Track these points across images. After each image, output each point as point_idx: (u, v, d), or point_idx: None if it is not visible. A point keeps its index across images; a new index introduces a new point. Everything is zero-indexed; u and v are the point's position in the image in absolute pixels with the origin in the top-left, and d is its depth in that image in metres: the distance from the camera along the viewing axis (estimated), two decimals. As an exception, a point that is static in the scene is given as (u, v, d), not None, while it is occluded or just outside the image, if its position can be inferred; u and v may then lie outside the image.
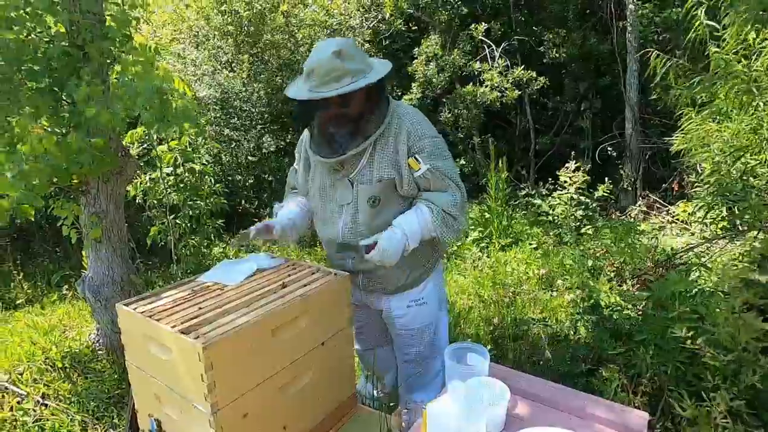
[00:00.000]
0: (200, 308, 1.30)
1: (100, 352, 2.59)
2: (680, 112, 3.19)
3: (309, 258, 4.25)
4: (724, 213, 3.21)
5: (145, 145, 3.93)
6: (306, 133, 1.65)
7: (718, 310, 1.54)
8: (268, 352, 1.28)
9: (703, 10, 2.72)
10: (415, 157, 1.45)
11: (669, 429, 1.75)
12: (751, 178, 2.68)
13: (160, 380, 1.29)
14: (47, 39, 2.19)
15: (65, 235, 2.51)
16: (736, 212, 2.78)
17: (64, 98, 2.19)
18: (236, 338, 1.18)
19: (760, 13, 2.21)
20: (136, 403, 1.46)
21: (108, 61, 2.23)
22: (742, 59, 2.56)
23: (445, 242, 1.56)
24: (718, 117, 2.88)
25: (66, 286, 3.90)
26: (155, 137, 3.34)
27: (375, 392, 1.85)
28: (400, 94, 6.19)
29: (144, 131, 3.24)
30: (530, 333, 2.62)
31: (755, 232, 2.46)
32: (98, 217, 2.40)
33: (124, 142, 2.67)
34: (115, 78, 2.24)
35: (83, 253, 2.87)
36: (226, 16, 5.68)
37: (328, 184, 1.58)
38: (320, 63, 1.37)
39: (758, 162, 2.70)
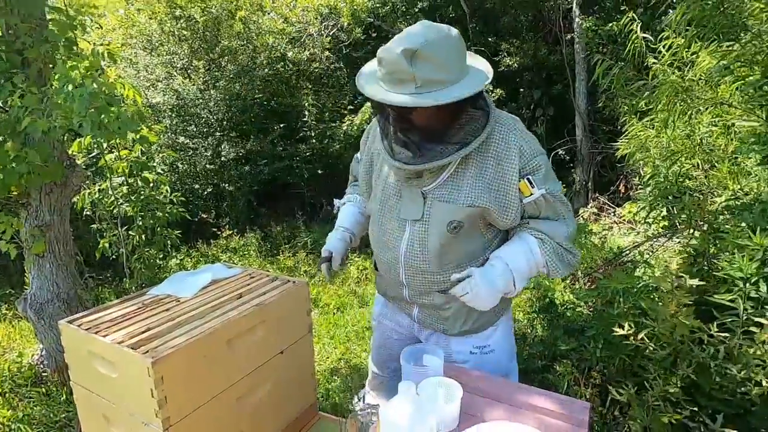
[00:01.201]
0: (151, 322, 1.26)
1: (44, 374, 2.44)
2: (624, 119, 3.41)
3: (272, 268, 4.18)
4: (664, 213, 3.45)
5: (94, 155, 3.76)
6: (375, 123, 1.35)
7: (659, 305, 1.65)
8: (223, 364, 1.25)
9: (638, 24, 2.93)
10: (528, 179, 1.17)
11: (617, 417, 1.85)
12: (687, 180, 2.90)
13: (108, 399, 1.23)
14: (-19, 43, 2.07)
15: (3, 251, 2.35)
16: (674, 212, 3.00)
17: (1, 106, 2.07)
18: (188, 351, 1.15)
19: (686, 27, 2.41)
20: (83, 426, 1.38)
21: (50, 66, 2.13)
22: (676, 70, 2.78)
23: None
24: (656, 124, 3.11)
25: (5, 305, 3.64)
26: (105, 146, 3.19)
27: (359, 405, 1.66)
28: (357, 102, 6.24)
29: (90, 140, 3.09)
30: (490, 333, 2.70)
31: (691, 231, 2.66)
32: (41, 230, 2.27)
33: (69, 152, 2.55)
34: (56, 85, 2.14)
35: (26, 269, 2.70)
36: (180, 21, 5.54)
37: (393, 190, 1.30)
38: (388, 58, 1.09)
39: (692, 165, 2.93)
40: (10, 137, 2.04)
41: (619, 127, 4.48)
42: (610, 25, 5.15)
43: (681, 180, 2.87)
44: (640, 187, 4.04)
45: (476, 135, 1.15)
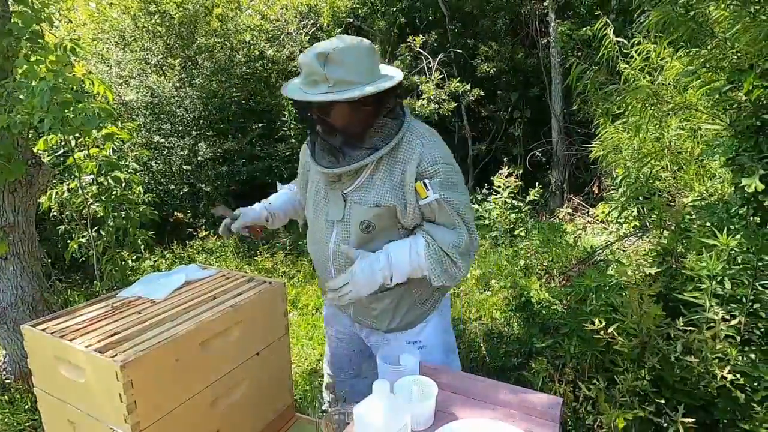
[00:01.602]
0: (120, 324, 1.23)
1: (7, 381, 2.33)
2: (597, 122, 3.51)
3: (249, 269, 4.12)
4: (635, 213, 3.57)
5: (61, 153, 3.62)
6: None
7: (627, 299, 1.70)
8: (196, 367, 1.23)
9: (611, 29, 3.02)
10: (424, 183, 1.24)
11: (590, 412, 1.90)
12: (656, 182, 3.00)
13: (74, 405, 1.19)
14: (-62, 34, 1.97)
15: (-37, 252, 2.24)
16: (644, 212, 3.10)
17: (-40, 100, 1.97)
18: (159, 354, 1.12)
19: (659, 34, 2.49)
20: (48, 433, 1.33)
21: (12, 60, 2.04)
22: (647, 75, 2.87)
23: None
24: (628, 127, 3.21)
25: (-34, 311, 3.46)
26: (73, 144, 3.08)
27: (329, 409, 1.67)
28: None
29: (58, 138, 2.98)
30: (467, 332, 2.73)
31: (660, 230, 2.76)
32: (4, 231, 2.17)
33: (35, 150, 2.45)
34: (17, 79, 2.05)
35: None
36: (155, 17, 5.40)
37: (321, 194, 1.40)
38: (304, 61, 1.22)
39: (661, 167, 3.04)
40: (-30, 134, 1.95)
41: (593, 130, 4.61)
42: (584, 29, 5.30)
43: (651, 181, 2.97)
44: (612, 188, 4.16)
45: (388, 141, 1.26)
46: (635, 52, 2.93)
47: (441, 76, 5.81)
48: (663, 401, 1.57)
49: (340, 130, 1.26)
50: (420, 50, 5.96)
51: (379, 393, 0.83)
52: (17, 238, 2.22)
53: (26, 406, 2.16)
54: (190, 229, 5.00)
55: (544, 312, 2.69)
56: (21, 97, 1.65)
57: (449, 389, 1.18)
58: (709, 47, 2.11)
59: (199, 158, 5.27)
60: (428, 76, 5.90)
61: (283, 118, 5.48)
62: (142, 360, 1.08)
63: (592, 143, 3.58)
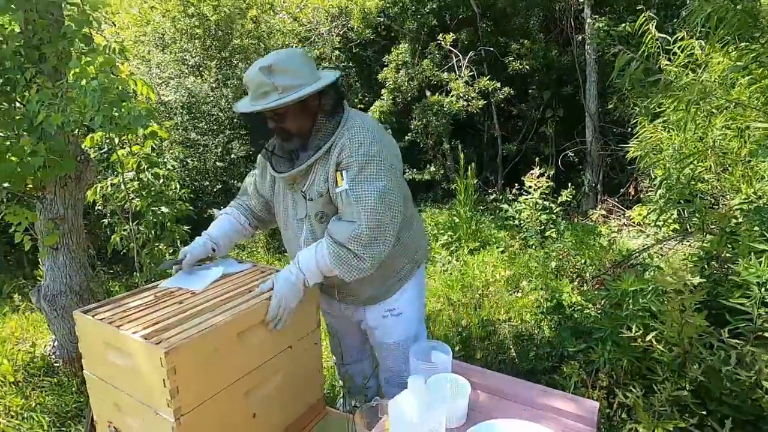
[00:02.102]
0: (163, 313, 1.28)
1: (56, 364, 2.47)
2: (635, 121, 3.39)
3: (279, 264, 4.20)
4: (675, 216, 3.42)
5: (105, 150, 3.80)
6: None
7: (668, 308, 1.64)
8: (233, 357, 1.27)
9: (654, 24, 2.90)
10: (341, 173, 1.35)
11: (624, 419, 1.84)
12: (699, 184, 2.87)
13: (121, 388, 1.25)
14: (0, 39, 2.11)
15: (17, 242, 2.39)
16: (685, 215, 2.97)
17: (17, 100, 2.11)
18: (200, 342, 1.16)
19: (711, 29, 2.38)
20: (95, 414, 1.41)
21: (65, 62, 2.16)
22: (690, 72, 2.75)
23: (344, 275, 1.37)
24: (668, 126, 3.08)
25: (18, 297, 3.70)
26: (116, 141, 3.24)
27: (353, 403, 1.81)
28: (367, 100, 6.25)
29: (103, 135, 3.13)
30: (497, 333, 2.70)
31: (703, 234, 2.64)
32: (55, 223, 2.30)
33: (83, 146, 2.59)
34: (71, 80, 2.17)
35: (40, 261, 2.75)
36: (193, 19, 5.58)
37: (289, 197, 1.55)
38: (250, 78, 1.35)
39: (704, 168, 2.90)
40: (27, 131, 2.08)
41: (629, 129, 4.45)
42: (623, 25, 5.12)
43: (693, 183, 2.84)
44: (650, 189, 4.00)
45: (327, 139, 1.38)
46: (678, 48, 2.81)
47: (471, 74, 5.75)
48: (705, 413, 1.51)
49: (295, 133, 1.40)
50: (450, 48, 5.91)
51: (414, 388, 0.84)
52: (67, 229, 2.35)
53: (73, 389, 2.28)
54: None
55: (576, 315, 2.62)
56: (73, 96, 1.75)
57: (481, 388, 1.18)
58: (762, 41, 2.00)
59: (232, 156, 5.42)
60: (458, 74, 5.86)
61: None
62: (185, 348, 1.12)
63: (629, 143, 3.46)
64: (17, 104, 2.13)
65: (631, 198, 5.00)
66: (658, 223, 3.35)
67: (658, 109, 3.03)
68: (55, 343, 2.49)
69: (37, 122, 1.92)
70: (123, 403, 1.27)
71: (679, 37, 2.81)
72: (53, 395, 2.26)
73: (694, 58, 2.77)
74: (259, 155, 1.66)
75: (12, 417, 2.13)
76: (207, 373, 1.20)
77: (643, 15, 2.93)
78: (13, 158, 2.00)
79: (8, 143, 2.04)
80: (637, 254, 3.18)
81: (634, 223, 4.27)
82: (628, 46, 5.23)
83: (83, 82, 1.86)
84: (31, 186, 2.24)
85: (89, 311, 1.31)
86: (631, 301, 1.95)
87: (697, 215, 2.61)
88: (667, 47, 2.92)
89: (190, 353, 1.14)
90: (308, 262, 1.38)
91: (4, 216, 2.33)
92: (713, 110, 2.51)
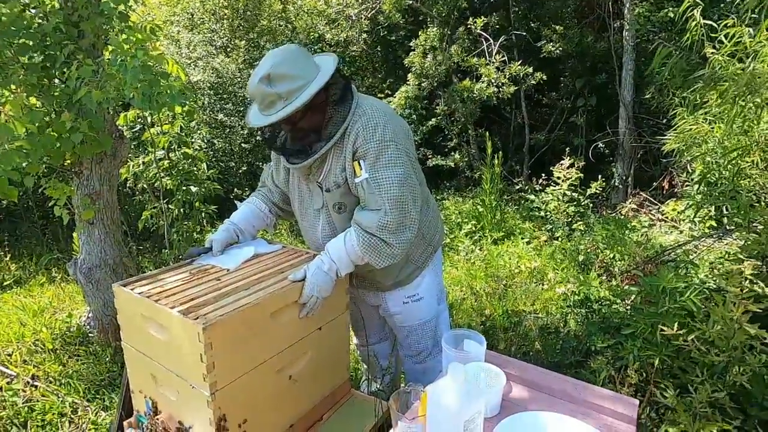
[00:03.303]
0: (199, 290, 1.30)
1: (91, 334, 2.57)
2: (674, 112, 3.23)
3: (304, 247, 4.24)
4: (713, 212, 3.28)
5: (137, 128, 3.88)
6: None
7: (713, 306, 1.57)
8: (266, 335, 1.28)
9: (699, 10, 2.74)
10: (359, 162, 1.34)
11: (653, 419, 1.80)
12: (742, 180, 2.73)
13: (158, 361, 1.29)
14: (41, 15, 2.15)
15: (57, 215, 2.47)
16: (727, 212, 2.84)
17: (57, 76, 2.15)
18: (235, 320, 1.18)
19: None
20: (131, 384, 1.45)
21: (102, 38, 2.19)
22: (737, 62, 2.59)
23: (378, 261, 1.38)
24: (710, 118, 2.93)
25: (54, 269, 3.85)
26: (149, 120, 3.29)
27: (375, 386, 1.86)
28: (393, 85, 6.17)
29: (136, 114, 3.19)
30: (521, 325, 2.67)
31: (747, 232, 2.52)
32: (91, 198, 2.37)
33: (117, 124, 2.63)
34: (108, 57, 2.20)
35: (74, 235, 2.84)
36: None
37: (305, 188, 1.55)
38: (253, 91, 1.35)
39: (749, 163, 2.76)
40: (66, 108, 2.12)
41: (665, 121, 4.26)
42: (665, 11, 4.87)
43: (736, 179, 2.71)
44: (687, 184, 3.85)
45: (339, 127, 1.36)
46: (724, 35, 2.64)
47: (502, 59, 5.60)
48: (743, 417, 1.46)
49: (310, 129, 1.39)
50: (481, 32, 5.76)
51: (454, 376, 0.83)
52: (102, 205, 2.41)
53: (106, 359, 2.37)
54: (248, 206, 5.22)
55: (604, 310, 2.57)
56: (113, 71, 1.77)
57: (514, 379, 1.16)
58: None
59: (258, 138, 5.46)
60: (488, 59, 5.71)
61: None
62: (222, 324, 1.14)
63: (666, 135, 3.32)
64: (57, 80, 2.17)
65: (664, 192, 4.83)
66: (695, 219, 3.22)
67: (700, 100, 2.89)
68: (90, 314, 2.59)
69: (77, 99, 1.96)
70: (159, 375, 1.30)
71: (727, 24, 2.64)
72: (88, 364, 2.36)
73: (742, 46, 2.61)
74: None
75: (50, 382, 2.23)
76: (241, 350, 1.21)
77: (687, 0, 2.77)
78: (53, 133, 2.05)
79: (48, 119, 2.09)
80: (671, 250, 3.08)
81: (667, 218, 4.12)
82: (670, 33, 5.00)
83: (120, 59, 1.87)
84: (69, 161, 2.30)
85: (128, 285, 1.35)
86: (667, 298, 1.89)
87: (740, 213, 2.49)
88: (712, 35, 2.76)
89: (226, 330, 1.16)
90: (339, 252, 1.38)
91: (43, 190, 2.41)
92: (765, 104, 2.37)
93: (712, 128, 2.92)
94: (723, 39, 2.64)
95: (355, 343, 1.96)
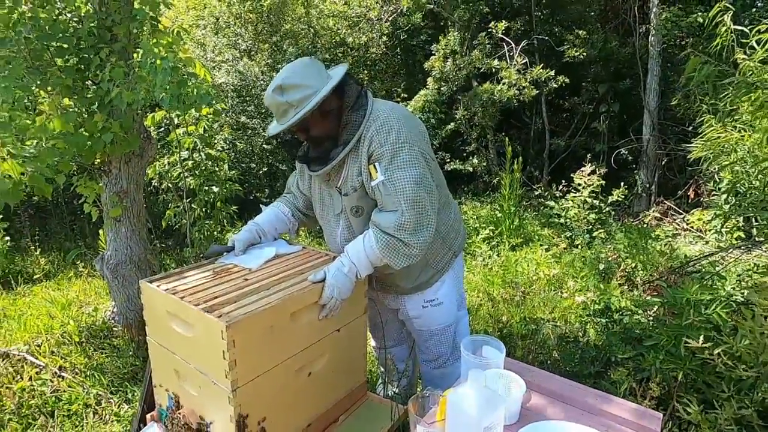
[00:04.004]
0: (222, 289, 1.33)
1: (115, 328, 2.65)
2: (701, 119, 3.15)
3: (320, 248, 4.28)
4: (741, 223, 3.19)
5: (162, 129, 3.98)
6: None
7: (741, 320, 1.53)
8: (286, 335, 1.30)
9: (730, 15, 2.67)
10: (374, 165, 1.37)
11: (676, 433, 1.75)
12: (772, 190, 2.64)
13: (181, 356, 1.32)
14: (76, 19, 2.23)
15: (86, 212, 2.56)
16: (756, 223, 2.75)
17: (90, 78, 2.23)
18: (257, 319, 1.20)
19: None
20: (154, 378, 1.49)
21: (133, 42, 2.26)
22: (770, 68, 2.51)
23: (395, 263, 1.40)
24: (740, 126, 2.85)
25: (81, 264, 3.98)
26: (175, 120, 3.38)
27: (391, 390, 1.87)
28: (412, 89, 6.18)
29: (163, 115, 3.28)
30: (539, 333, 2.63)
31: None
32: (119, 196, 2.44)
33: (145, 124, 2.71)
34: (138, 60, 2.27)
35: (100, 231, 2.93)
36: (247, 3, 5.70)
37: (325, 193, 1.60)
38: (268, 102, 1.43)
39: (780, 173, 2.67)
40: (98, 108, 2.20)
41: (692, 128, 4.15)
42: (694, 16, 4.76)
43: (767, 189, 2.62)
44: (714, 193, 3.74)
45: (354, 133, 1.40)
46: (755, 41, 2.57)
47: (523, 62, 5.55)
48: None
49: (325, 136, 1.44)
50: (502, 36, 5.73)
51: (474, 381, 0.83)
52: (129, 203, 2.48)
53: (130, 353, 2.44)
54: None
55: (625, 321, 2.51)
56: (143, 74, 1.83)
57: (533, 388, 1.15)
58: None
59: (279, 140, 5.53)
60: (509, 63, 5.67)
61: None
62: (244, 323, 1.16)
63: (692, 142, 3.23)
64: (90, 82, 2.26)
65: (689, 201, 4.70)
66: (722, 229, 3.13)
67: (730, 108, 2.81)
68: (115, 309, 2.66)
69: (108, 100, 2.03)
70: (182, 370, 1.33)
71: (759, 30, 2.57)
72: (112, 357, 2.43)
73: (776, 52, 2.53)
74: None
75: (76, 374, 2.30)
76: (261, 349, 1.24)
77: (718, 5, 2.70)
78: (85, 133, 2.13)
79: (81, 119, 2.17)
80: (696, 261, 3.00)
81: (691, 227, 4.01)
82: (698, 38, 4.87)
83: (150, 61, 1.94)
84: (99, 160, 2.38)
85: (154, 281, 1.39)
86: (692, 311, 1.84)
87: (770, 224, 2.42)
88: (743, 40, 2.69)
89: (248, 328, 1.18)
90: (358, 253, 1.41)
91: (74, 188, 2.50)
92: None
93: (742, 137, 2.84)
94: (755, 45, 2.57)
95: (373, 346, 1.97)
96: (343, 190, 1.49)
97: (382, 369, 1.94)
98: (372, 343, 1.96)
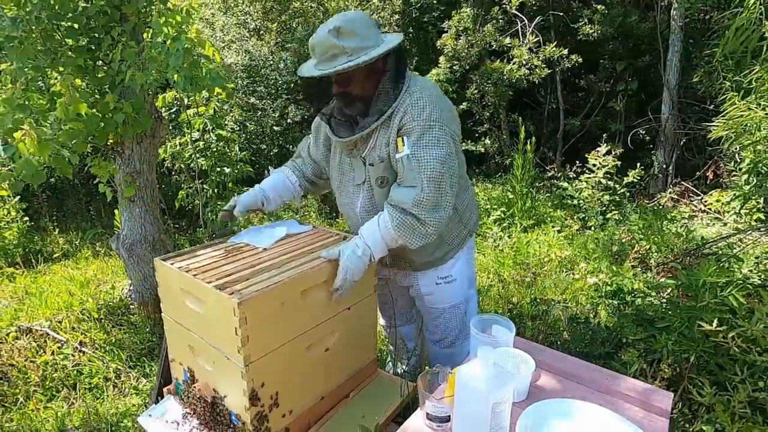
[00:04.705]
0: (234, 266, 1.35)
1: (132, 306, 2.72)
2: (723, 97, 3.04)
3: (337, 227, 4.30)
4: (761, 204, 3.10)
5: (174, 110, 3.99)
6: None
7: (758, 303, 1.50)
8: (297, 312, 1.32)
9: (760, -14, 2.53)
10: (402, 138, 1.36)
11: (686, 414, 1.75)
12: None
13: (195, 332, 1.35)
14: (86, -2, 2.22)
15: (101, 192, 2.59)
16: (776, 204, 2.68)
17: (101, 58, 2.23)
18: (269, 296, 1.22)
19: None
20: (170, 354, 1.53)
21: (144, 21, 2.25)
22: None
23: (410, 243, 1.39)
24: (765, 104, 2.74)
25: (98, 243, 4.07)
26: (185, 101, 3.38)
27: (400, 368, 1.89)
28: (424, 67, 6.06)
29: (174, 96, 3.28)
30: (549, 314, 2.63)
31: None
32: (132, 176, 2.47)
33: (156, 105, 2.72)
34: (149, 39, 2.26)
35: (116, 212, 2.98)
36: (255, -19, 5.60)
37: (346, 162, 1.56)
38: (318, 41, 1.34)
39: (805, 152, 2.57)
40: (110, 89, 2.21)
41: (713, 106, 4.01)
42: (720, -13, 4.53)
43: (790, 168, 2.54)
44: (734, 174, 3.63)
45: (390, 103, 1.37)
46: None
47: (536, 40, 5.39)
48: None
49: (359, 97, 1.39)
50: (516, 12, 5.55)
51: (484, 358, 0.83)
52: (142, 183, 2.51)
53: (146, 330, 2.51)
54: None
55: (638, 302, 2.49)
56: (155, 54, 1.82)
57: (543, 366, 1.15)
58: None
59: (289, 120, 5.52)
60: (521, 40, 5.51)
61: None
62: (256, 300, 1.18)
63: (714, 121, 3.13)
64: (101, 62, 2.26)
65: (707, 182, 4.59)
66: (742, 210, 3.05)
67: (756, 84, 2.69)
68: (131, 287, 2.73)
69: (120, 80, 2.03)
70: (196, 345, 1.37)
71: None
72: (129, 333, 2.50)
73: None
74: (315, 120, 1.67)
75: (96, 349, 2.38)
76: (273, 326, 1.26)
77: (748, -26, 2.56)
78: (98, 114, 2.14)
79: (92, 99, 2.18)
80: (712, 243, 2.94)
81: (709, 209, 3.92)
82: (722, 11, 4.65)
83: (161, 40, 1.92)
84: (111, 141, 2.40)
85: (167, 259, 1.41)
86: (707, 293, 1.81)
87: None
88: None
89: (259, 305, 1.20)
90: (373, 235, 1.39)
91: (89, 169, 2.53)
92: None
93: (767, 114, 2.73)
94: (784, 18, 2.44)
95: (382, 324, 1.99)
96: (368, 160, 1.45)
97: (392, 347, 1.96)
98: (381, 321, 1.98)
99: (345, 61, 1.32)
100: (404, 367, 1.93)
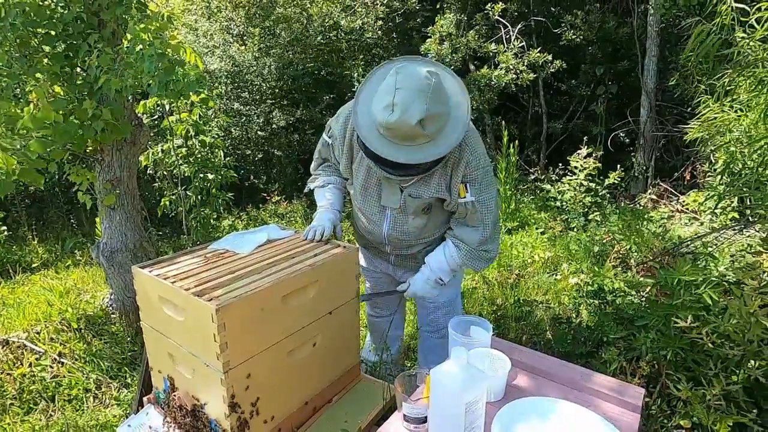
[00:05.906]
0: (213, 273, 1.34)
1: (113, 315, 2.67)
2: (698, 100, 3.13)
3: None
4: (735, 204, 3.19)
5: (156, 116, 3.95)
6: (350, 113, 1.47)
7: (731, 300, 1.55)
8: (277, 318, 1.32)
9: (731, -7, 2.62)
10: (466, 186, 1.48)
11: (664, 410, 1.79)
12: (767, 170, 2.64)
13: (174, 340, 1.34)
14: (62, 4, 2.20)
15: (80, 200, 2.56)
16: (750, 203, 2.75)
17: (79, 65, 2.21)
18: (248, 302, 1.21)
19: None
20: (150, 362, 1.52)
21: (122, 27, 2.23)
22: (768, 47, 2.48)
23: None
24: (737, 106, 2.83)
25: (79, 252, 4.00)
26: (167, 108, 3.35)
27: (384, 355, 1.94)
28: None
29: (155, 102, 3.25)
30: (533, 314, 2.66)
31: (766, 224, 2.45)
32: (112, 184, 2.44)
33: (137, 112, 2.69)
34: (126, 45, 2.24)
35: (97, 220, 2.94)
36: (239, -13, 5.59)
37: (374, 182, 1.56)
38: (402, 128, 1.28)
39: (775, 153, 2.66)
40: (88, 96, 2.18)
41: (689, 109, 4.12)
42: (694, -6, 4.67)
43: (762, 169, 2.62)
44: (709, 174, 3.74)
45: (451, 153, 1.43)
46: (755, 20, 2.53)
47: (521, 44, 5.48)
48: (757, 411, 1.44)
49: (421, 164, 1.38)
50: (499, 18, 5.64)
51: (457, 358, 0.84)
52: (122, 191, 2.48)
53: (127, 339, 2.47)
54: (264, 194, 5.30)
55: (618, 302, 2.54)
56: (131, 60, 1.81)
57: (519, 366, 1.17)
58: None
59: (273, 126, 5.50)
60: (506, 46, 5.60)
61: (353, 89, 5.52)
62: (234, 306, 1.18)
63: (689, 123, 3.21)
64: (79, 69, 2.23)
65: (685, 183, 4.70)
66: (716, 210, 3.14)
67: (728, 88, 2.78)
68: (112, 296, 2.69)
69: (97, 87, 2.01)
70: (176, 353, 1.35)
71: (760, 8, 2.53)
72: (111, 343, 2.46)
73: (775, 31, 2.50)
74: (336, 125, 1.62)
75: (76, 360, 2.33)
76: (253, 332, 1.25)
77: (719, -18, 2.64)
78: (75, 120, 2.11)
79: (70, 106, 2.15)
80: (689, 242, 3.01)
81: (687, 209, 4.02)
82: (698, 17, 4.80)
83: (138, 47, 1.91)
84: (90, 148, 2.37)
85: (146, 267, 1.40)
86: (683, 291, 1.86)
87: (764, 204, 2.42)
88: (743, 19, 2.65)
89: (238, 311, 1.19)
90: (440, 264, 1.61)
91: (68, 176, 2.49)
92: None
93: (739, 117, 2.82)
94: (755, 23, 2.53)
95: (368, 313, 2.06)
96: (414, 194, 1.50)
97: (371, 334, 2.08)
98: (368, 310, 2.05)
99: (422, 143, 1.32)
100: (384, 354, 1.95)
